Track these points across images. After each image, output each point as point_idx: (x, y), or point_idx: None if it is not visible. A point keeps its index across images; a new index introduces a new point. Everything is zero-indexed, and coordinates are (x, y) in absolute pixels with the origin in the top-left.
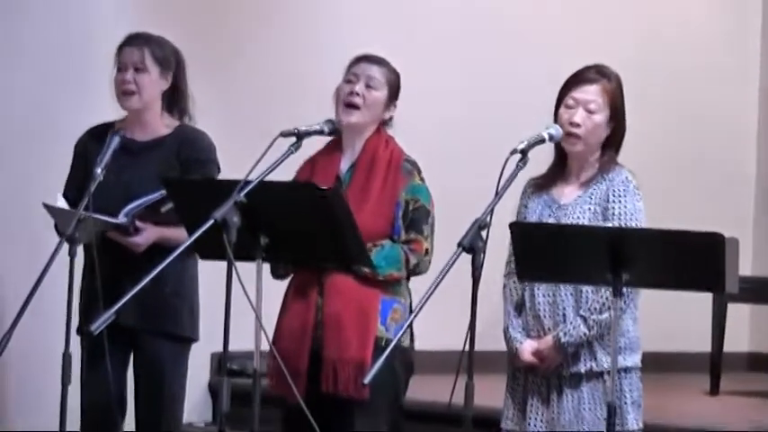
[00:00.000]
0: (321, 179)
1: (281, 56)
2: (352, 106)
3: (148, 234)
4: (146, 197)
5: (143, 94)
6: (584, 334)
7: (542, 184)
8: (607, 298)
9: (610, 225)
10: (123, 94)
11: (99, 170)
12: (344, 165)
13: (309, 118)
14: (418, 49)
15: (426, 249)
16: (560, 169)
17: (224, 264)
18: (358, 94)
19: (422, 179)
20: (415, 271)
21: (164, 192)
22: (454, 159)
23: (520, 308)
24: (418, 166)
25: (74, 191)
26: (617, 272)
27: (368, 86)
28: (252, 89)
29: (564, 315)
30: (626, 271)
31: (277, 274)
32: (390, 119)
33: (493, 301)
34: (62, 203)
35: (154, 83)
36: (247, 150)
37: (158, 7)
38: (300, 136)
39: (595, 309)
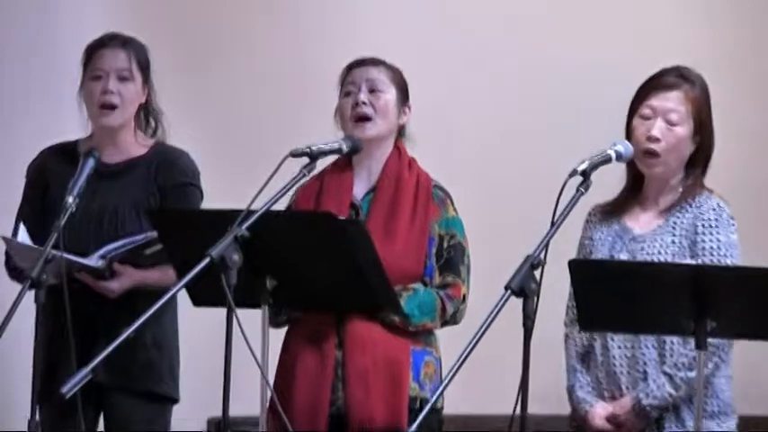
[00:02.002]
0: (333, 206)
1: (279, 55)
2: (363, 119)
3: (125, 280)
4: (128, 238)
5: (126, 109)
6: (670, 395)
7: (612, 212)
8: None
9: (697, 262)
10: (102, 107)
11: (71, 199)
12: (360, 189)
13: (317, 131)
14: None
15: (464, 295)
16: (634, 193)
17: (220, 311)
18: (365, 103)
19: (455, 210)
20: (450, 321)
21: (150, 234)
22: (494, 182)
23: (587, 361)
24: (450, 195)
25: (28, 226)
26: (701, 319)
27: (372, 91)
28: (239, 96)
29: (645, 372)
30: (712, 317)
31: (277, 322)
32: (405, 128)
33: (550, 353)
34: (25, 237)
35: (137, 94)
36: (238, 172)
37: (125, 6)
38: (314, 156)
39: (683, 364)
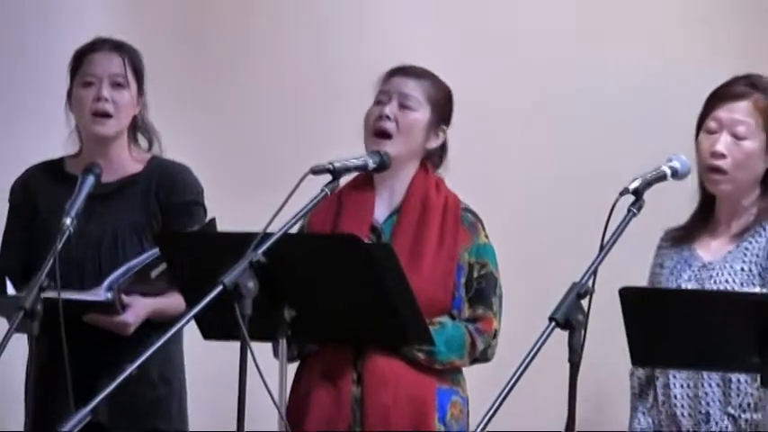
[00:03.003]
0: (352, 229)
1: (294, 57)
2: (381, 134)
3: (138, 311)
4: (131, 262)
5: (121, 117)
6: None
7: (682, 237)
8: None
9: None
10: (95, 115)
11: (69, 220)
12: (382, 211)
13: (338, 146)
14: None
15: (495, 330)
16: (705, 217)
17: (231, 344)
18: (389, 118)
19: (487, 236)
20: (480, 358)
21: (153, 252)
22: (534, 202)
23: (650, 401)
24: (481, 219)
25: (14, 260)
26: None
27: (402, 107)
28: (250, 105)
29: (707, 414)
30: None
31: (288, 356)
32: (442, 151)
33: (599, 391)
34: (9, 289)
35: (132, 103)
36: (245, 191)
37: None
38: (337, 173)
39: (749, 405)
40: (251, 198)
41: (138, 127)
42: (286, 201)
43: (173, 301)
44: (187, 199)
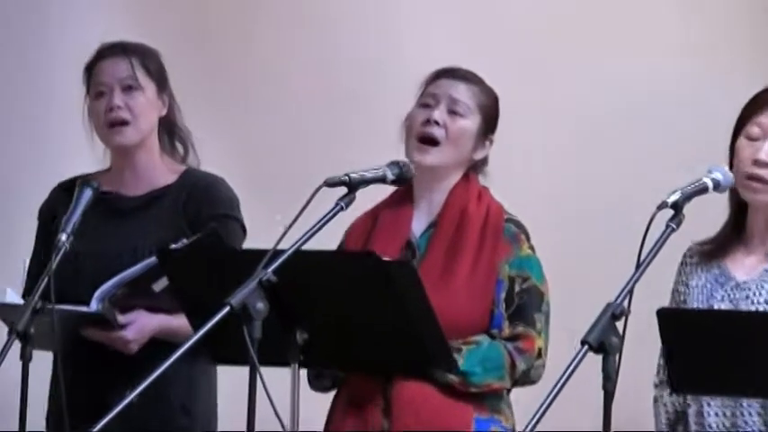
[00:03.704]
0: (384, 245)
1: (318, 64)
2: (429, 141)
3: (141, 325)
4: (124, 272)
5: (140, 122)
6: None
7: (711, 252)
8: None
9: None
10: (111, 125)
11: (65, 236)
12: (419, 225)
13: (363, 158)
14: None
15: (539, 349)
16: (737, 231)
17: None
18: (438, 124)
19: (531, 248)
20: (523, 380)
21: (149, 261)
22: (565, 216)
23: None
24: (526, 230)
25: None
26: None
27: (452, 113)
28: (268, 115)
29: None
30: None
31: (321, 385)
32: (483, 162)
33: (635, 420)
34: (12, 297)
35: (151, 105)
36: (266, 205)
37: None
38: (353, 185)
39: None
40: (259, 213)
41: (172, 132)
42: (298, 215)
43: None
44: (218, 212)
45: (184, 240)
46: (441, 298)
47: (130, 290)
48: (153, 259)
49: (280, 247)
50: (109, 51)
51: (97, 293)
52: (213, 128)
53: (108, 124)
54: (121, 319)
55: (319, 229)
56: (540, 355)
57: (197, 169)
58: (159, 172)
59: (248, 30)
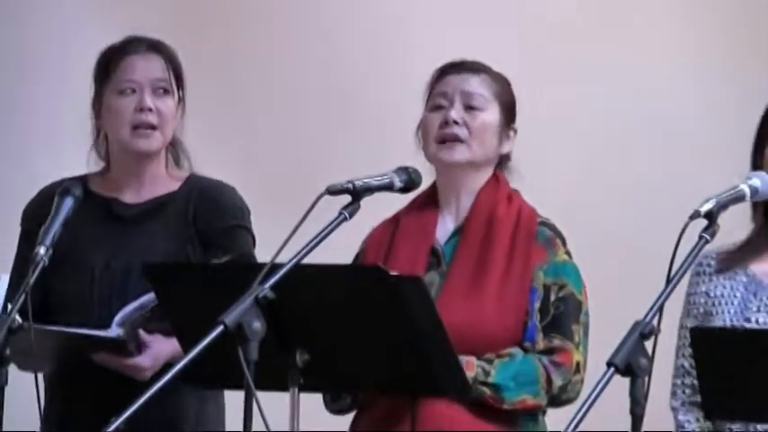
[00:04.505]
0: (407, 254)
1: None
2: (453, 140)
3: (157, 352)
4: (148, 295)
5: (166, 130)
6: None
7: (735, 259)
8: None
9: None
10: (137, 128)
11: (43, 249)
12: (444, 231)
13: (375, 161)
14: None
15: (577, 364)
16: (763, 237)
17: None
18: (457, 123)
19: (568, 253)
20: (560, 397)
21: None
22: (586, 229)
23: None
24: (561, 234)
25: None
26: None
27: (468, 108)
28: (271, 118)
29: None
30: None
31: (339, 406)
32: (507, 157)
33: None
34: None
35: (175, 112)
36: (267, 216)
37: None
38: (357, 193)
39: None
40: (274, 223)
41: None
42: (298, 226)
43: None
44: (229, 223)
45: (214, 261)
46: (470, 309)
47: (152, 313)
48: None
49: (278, 260)
50: (137, 47)
51: (118, 317)
52: (209, 133)
53: (134, 126)
54: (144, 337)
55: (321, 240)
56: (578, 369)
57: (201, 176)
58: (163, 179)
59: (247, 28)
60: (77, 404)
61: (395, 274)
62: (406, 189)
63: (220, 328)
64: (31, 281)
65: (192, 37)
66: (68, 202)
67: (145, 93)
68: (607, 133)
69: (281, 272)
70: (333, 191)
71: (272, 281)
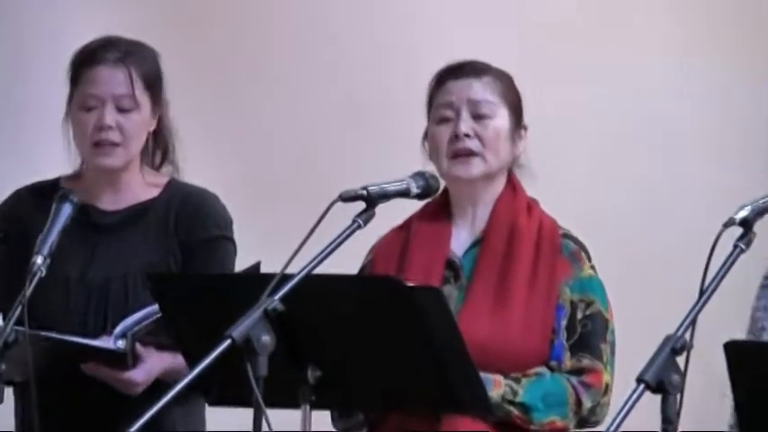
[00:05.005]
0: (422, 266)
1: (335, 66)
2: (467, 154)
3: (150, 367)
4: (151, 307)
5: (131, 145)
6: None
7: None
8: None
9: None
10: (98, 146)
11: (41, 259)
12: (459, 242)
13: (381, 164)
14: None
15: (606, 384)
16: None
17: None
18: (468, 135)
19: (593, 267)
20: (588, 419)
21: None
22: (606, 222)
23: None
24: (586, 247)
25: None
26: None
27: (477, 117)
28: (276, 121)
29: None
30: None
31: (347, 425)
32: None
33: None
34: None
35: (144, 125)
36: (271, 224)
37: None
38: (372, 200)
39: None
40: (278, 232)
41: (156, 141)
42: (308, 235)
43: None
44: (212, 234)
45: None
46: (495, 326)
47: (153, 326)
48: None
49: (288, 270)
50: (105, 56)
51: (119, 329)
52: (207, 135)
53: (94, 143)
54: (140, 350)
55: (334, 249)
56: (606, 391)
57: (182, 182)
58: (140, 186)
59: (248, 28)
60: (51, 409)
61: (412, 284)
62: (423, 195)
63: (228, 342)
64: (28, 292)
65: (193, 38)
66: (67, 209)
67: (106, 109)
68: (611, 134)
69: (292, 283)
70: (346, 197)
71: (282, 292)
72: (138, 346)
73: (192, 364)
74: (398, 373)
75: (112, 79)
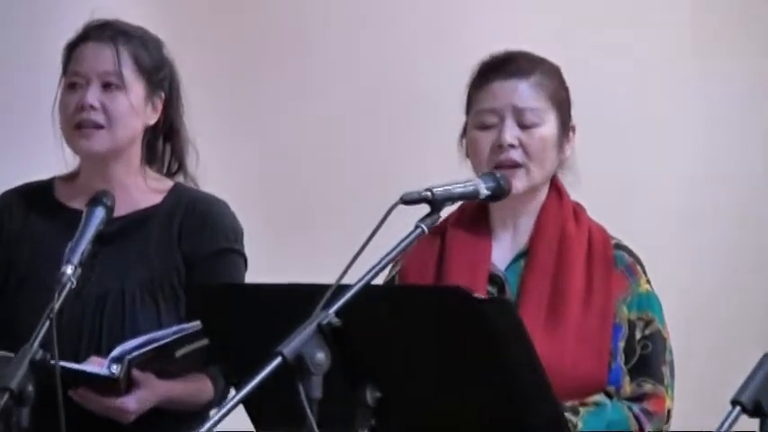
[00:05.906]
0: (462, 280)
1: (363, 60)
2: (511, 166)
3: (147, 394)
4: (155, 333)
5: (116, 129)
6: None
7: None
8: None
9: None
10: (79, 127)
11: (71, 269)
12: (501, 255)
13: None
14: None
15: (669, 411)
16: None
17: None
18: (513, 146)
19: (649, 282)
20: None
21: (186, 327)
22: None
23: None
24: (640, 259)
25: None
26: None
27: (523, 126)
28: (300, 121)
29: None
30: None
31: None
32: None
33: None
34: None
35: (134, 111)
36: (286, 236)
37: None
38: (437, 203)
39: None
40: (298, 244)
41: (166, 143)
42: (367, 241)
43: (193, 386)
44: (221, 246)
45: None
46: (549, 348)
47: (155, 353)
48: (190, 325)
49: (343, 281)
50: (95, 33)
51: (115, 353)
52: (226, 134)
53: (74, 125)
54: (137, 375)
55: (396, 257)
56: (668, 417)
57: (188, 187)
58: (140, 190)
59: (268, 22)
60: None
61: (480, 297)
62: (493, 198)
63: (278, 360)
64: (57, 305)
65: (218, 34)
66: (99, 213)
67: (90, 88)
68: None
69: (348, 295)
70: (408, 200)
71: (338, 305)
72: (136, 372)
73: (237, 386)
74: (466, 395)
75: (99, 56)
